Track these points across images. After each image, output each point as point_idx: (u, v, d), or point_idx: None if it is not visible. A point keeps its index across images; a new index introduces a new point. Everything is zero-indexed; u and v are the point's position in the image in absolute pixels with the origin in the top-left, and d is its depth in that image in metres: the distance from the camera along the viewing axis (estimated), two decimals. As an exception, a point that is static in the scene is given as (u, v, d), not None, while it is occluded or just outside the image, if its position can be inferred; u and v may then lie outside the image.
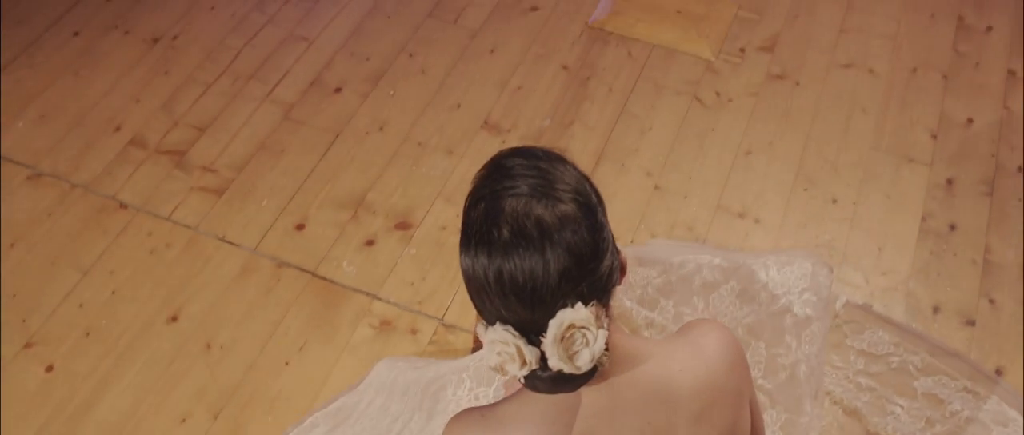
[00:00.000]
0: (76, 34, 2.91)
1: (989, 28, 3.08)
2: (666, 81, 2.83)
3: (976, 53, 3.00)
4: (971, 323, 2.30)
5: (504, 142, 2.67)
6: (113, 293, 2.26)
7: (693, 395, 1.20)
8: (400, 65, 2.87)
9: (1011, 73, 2.93)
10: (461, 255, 1.08)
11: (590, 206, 1.08)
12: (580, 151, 2.64)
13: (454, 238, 2.42)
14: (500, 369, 1.09)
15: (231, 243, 2.39)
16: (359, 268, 2.35)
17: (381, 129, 2.69)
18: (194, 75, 2.81)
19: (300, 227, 2.44)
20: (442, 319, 2.24)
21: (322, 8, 3.04)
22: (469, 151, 2.63)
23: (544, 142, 2.65)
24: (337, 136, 2.66)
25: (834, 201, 2.54)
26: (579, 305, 1.04)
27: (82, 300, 2.24)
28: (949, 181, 2.62)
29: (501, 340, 1.06)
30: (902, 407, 2.11)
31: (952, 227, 2.51)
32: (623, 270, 1.16)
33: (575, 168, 1.12)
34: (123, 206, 2.46)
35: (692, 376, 1.20)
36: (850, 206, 2.53)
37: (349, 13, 3.02)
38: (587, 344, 1.05)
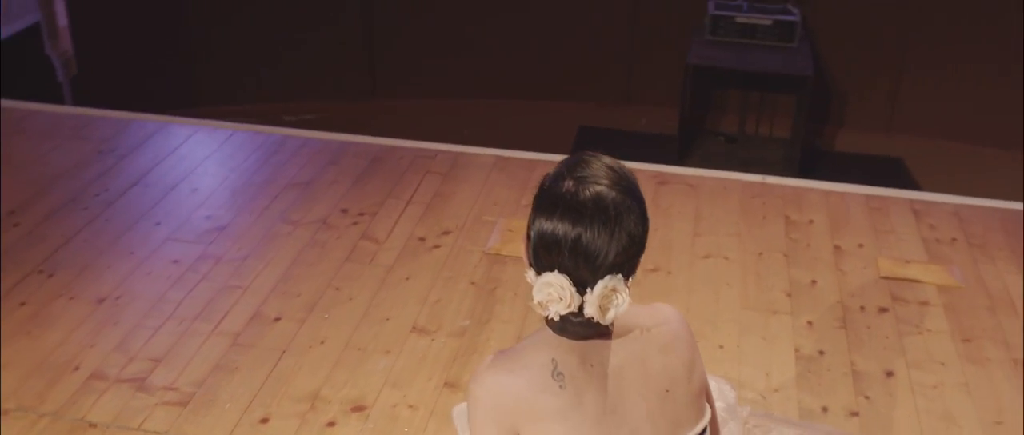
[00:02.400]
0: (23, 304, 3.16)
1: (811, 221, 3.76)
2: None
3: (805, 238, 3.64)
4: (855, 414, 2.72)
5: (434, 340, 3.03)
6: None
7: (658, 332, 1.57)
8: (329, 296, 3.24)
9: (837, 248, 3.57)
10: (539, 218, 1.42)
11: (644, 210, 1.46)
12: (500, 338, 3.02)
13: (407, 414, 2.71)
14: (543, 305, 1.44)
15: (202, 440, 2.60)
16: (325, 444, 2.59)
17: (322, 343, 3.01)
18: (142, 322, 3.08)
19: (264, 421, 2.68)
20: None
21: (249, 264, 3.41)
22: (405, 349, 2.97)
23: (468, 338, 3.03)
24: (283, 352, 2.96)
25: (721, 347, 2.99)
26: (620, 276, 1.43)
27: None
28: (809, 323, 3.13)
29: (558, 284, 1.41)
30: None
31: (821, 352, 2.99)
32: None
33: (637, 182, 1.51)
34: (93, 425, 2.64)
35: (655, 321, 1.58)
36: (735, 350, 2.99)
37: (275, 266, 3.41)
38: (617, 306, 1.44)
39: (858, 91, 6.17)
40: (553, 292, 1.42)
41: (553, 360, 1.48)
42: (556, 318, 1.44)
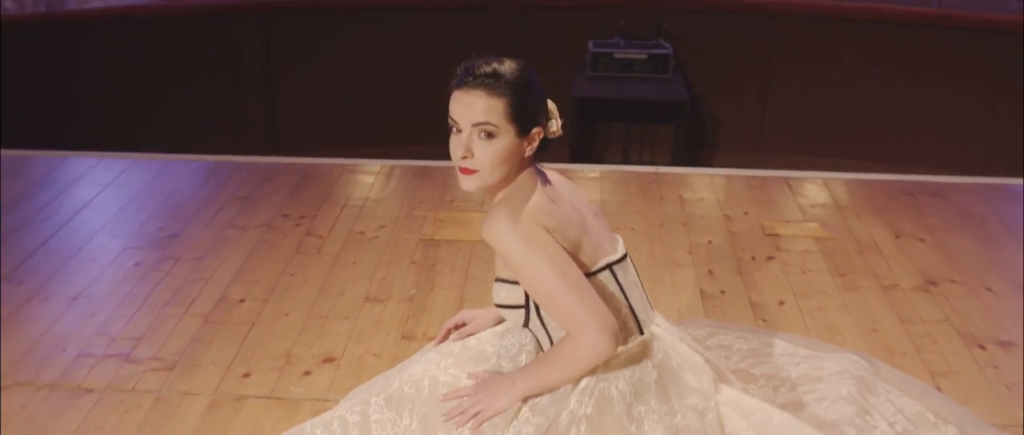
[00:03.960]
0: None
1: (701, 198, 4.29)
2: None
3: (698, 211, 4.16)
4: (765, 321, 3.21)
5: (387, 306, 3.40)
6: None
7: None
8: (285, 281, 3.59)
9: (726, 216, 4.10)
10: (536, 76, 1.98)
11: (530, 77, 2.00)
12: (444, 302, 3.42)
13: (373, 361, 3.07)
14: (557, 128, 2.00)
15: (193, 393, 2.91)
16: (305, 388, 2.93)
17: (287, 315, 3.35)
18: (116, 312, 3.36)
19: (247, 375, 3.00)
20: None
21: (207, 262, 3.73)
22: (362, 315, 3.34)
23: (416, 302, 3.42)
24: (252, 325, 3.29)
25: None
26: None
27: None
28: (710, 272, 3.63)
29: (556, 114, 2.00)
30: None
31: (722, 292, 3.49)
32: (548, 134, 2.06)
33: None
34: (90, 391, 2.92)
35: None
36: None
37: (231, 261, 3.73)
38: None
39: (729, 116, 6.84)
40: (554, 115, 2.02)
41: (538, 191, 2.00)
42: (556, 134, 2.02)
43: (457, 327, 2.41)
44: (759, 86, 6.72)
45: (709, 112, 6.87)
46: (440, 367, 2.18)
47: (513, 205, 1.96)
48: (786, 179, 4.55)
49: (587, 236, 2.03)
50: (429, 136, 6.83)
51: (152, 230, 4.02)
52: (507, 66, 1.97)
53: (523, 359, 2.13)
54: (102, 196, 4.36)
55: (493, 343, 2.19)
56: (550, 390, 2.03)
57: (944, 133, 6.29)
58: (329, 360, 3.08)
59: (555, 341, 2.07)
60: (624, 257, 2.14)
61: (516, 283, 2.04)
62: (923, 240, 3.94)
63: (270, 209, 4.22)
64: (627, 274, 2.13)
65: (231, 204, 4.27)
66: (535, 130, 1.99)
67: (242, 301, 3.44)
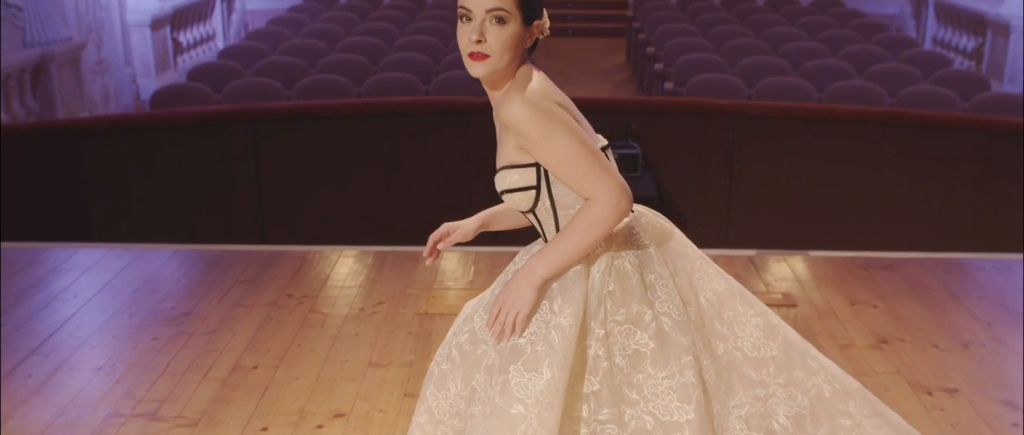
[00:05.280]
0: (29, 376, 3.69)
1: (673, 273, 4.66)
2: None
3: (671, 284, 4.52)
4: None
5: (388, 370, 3.71)
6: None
7: None
8: (294, 350, 3.89)
9: (696, 287, 4.46)
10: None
11: None
12: (443, 364, 3.73)
13: (380, 416, 3.37)
14: (548, 26, 2.20)
15: (217, 445, 3.19)
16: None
17: (297, 379, 3.65)
18: (140, 378, 3.65)
19: (264, 429, 3.29)
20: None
21: (219, 335, 4.03)
22: (366, 377, 3.65)
23: (416, 366, 3.73)
24: (266, 388, 3.59)
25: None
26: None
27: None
28: (683, 334, 3.97)
29: (546, 16, 2.20)
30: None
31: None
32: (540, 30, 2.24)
33: None
34: (121, 445, 3.20)
35: None
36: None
37: (242, 335, 4.04)
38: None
39: (696, 210, 7.26)
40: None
41: (542, 77, 2.20)
42: (545, 33, 2.22)
43: (441, 239, 2.51)
44: (723, 181, 7.16)
45: (676, 207, 7.29)
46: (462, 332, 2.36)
47: (526, 88, 2.15)
48: (751, 258, 4.94)
49: (581, 123, 2.22)
50: (417, 227, 7.20)
51: (166, 309, 4.32)
52: None
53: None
54: (116, 280, 4.67)
55: (464, 341, 2.36)
56: (571, 265, 2.16)
57: (895, 215, 6.73)
58: (339, 415, 3.38)
59: (561, 222, 2.21)
60: (607, 146, 2.31)
61: (527, 165, 2.19)
62: (876, 306, 4.31)
63: (274, 290, 4.54)
64: (612, 160, 2.29)
65: (237, 286, 4.58)
66: (536, 22, 2.19)
67: (255, 368, 3.74)
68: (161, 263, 4.96)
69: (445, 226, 2.50)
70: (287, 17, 11.46)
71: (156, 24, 10.35)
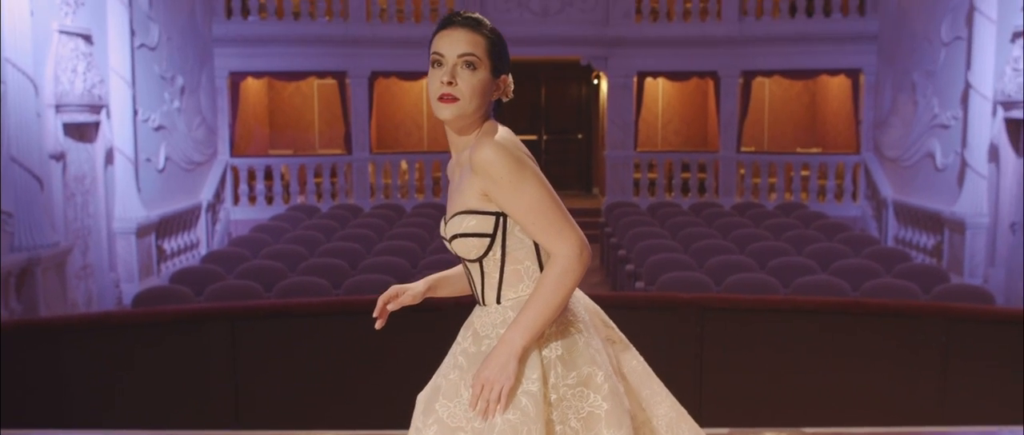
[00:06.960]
0: None
1: None
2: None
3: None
4: None
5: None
6: None
7: None
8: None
9: None
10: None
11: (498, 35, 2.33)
12: None
13: None
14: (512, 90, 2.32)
15: None
16: None
17: None
18: None
19: None
20: None
21: None
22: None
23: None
24: None
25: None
26: None
27: None
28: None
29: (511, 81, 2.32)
30: None
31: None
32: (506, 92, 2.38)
33: None
34: None
35: None
36: None
37: None
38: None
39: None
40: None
41: (508, 131, 2.32)
42: (509, 96, 2.34)
43: (390, 301, 2.56)
44: (693, 374, 7.27)
45: (652, 400, 7.37)
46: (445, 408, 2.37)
47: (497, 137, 2.24)
48: (722, 436, 5.03)
49: None
50: (394, 421, 7.21)
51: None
52: (484, 19, 2.30)
53: (511, 315, 2.30)
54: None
55: (468, 345, 2.41)
56: (547, 325, 2.21)
57: (862, 394, 6.84)
58: None
59: (506, 277, 2.27)
60: None
61: (487, 213, 2.24)
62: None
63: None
64: None
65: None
66: (503, 76, 2.30)
67: None
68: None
69: (394, 288, 2.54)
70: (270, 225, 11.78)
71: (141, 231, 10.63)
